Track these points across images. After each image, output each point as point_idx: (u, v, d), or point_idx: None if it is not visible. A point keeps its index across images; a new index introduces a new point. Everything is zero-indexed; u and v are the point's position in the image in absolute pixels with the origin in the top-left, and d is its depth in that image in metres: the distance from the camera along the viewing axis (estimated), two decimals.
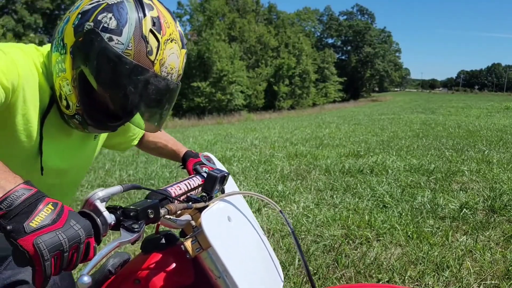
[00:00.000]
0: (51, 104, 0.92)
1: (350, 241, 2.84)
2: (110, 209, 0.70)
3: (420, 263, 2.47)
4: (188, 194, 0.95)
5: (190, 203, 0.86)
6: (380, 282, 2.29)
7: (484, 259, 2.49)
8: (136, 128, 1.20)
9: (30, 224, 0.58)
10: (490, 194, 3.74)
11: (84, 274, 0.59)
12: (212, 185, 0.93)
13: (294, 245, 1.04)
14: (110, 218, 0.68)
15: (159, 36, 0.84)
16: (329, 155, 6.16)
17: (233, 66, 36.82)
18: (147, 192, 0.84)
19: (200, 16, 38.40)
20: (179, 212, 0.85)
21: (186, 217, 0.89)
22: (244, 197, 1.11)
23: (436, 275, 2.34)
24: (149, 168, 5.49)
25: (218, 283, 0.82)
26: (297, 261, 2.49)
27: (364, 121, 12.72)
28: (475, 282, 2.25)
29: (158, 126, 0.97)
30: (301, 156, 6.14)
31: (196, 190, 0.99)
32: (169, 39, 0.86)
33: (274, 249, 2.67)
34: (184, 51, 0.92)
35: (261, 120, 20.31)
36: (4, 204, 0.59)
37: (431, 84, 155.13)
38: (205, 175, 1.01)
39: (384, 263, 2.49)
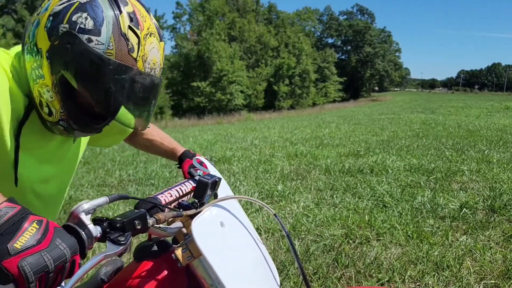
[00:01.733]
0: (27, 112, 0.87)
1: (350, 241, 2.84)
2: (96, 221, 0.69)
3: (420, 263, 2.47)
4: (180, 200, 0.93)
5: (181, 210, 0.85)
6: (380, 282, 2.29)
7: (484, 259, 2.49)
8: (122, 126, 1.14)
9: (15, 245, 0.57)
10: (490, 194, 3.74)
11: None
12: (203, 191, 0.91)
13: (292, 248, 1.04)
14: (95, 231, 0.67)
15: (138, 31, 0.81)
16: (329, 155, 6.16)
17: (233, 66, 36.82)
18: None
19: (200, 16, 38.40)
20: (170, 219, 0.83)
21: (178, 224, 0.87)
22: (239, 200, 1.09)
23: (436, 274, 2.33)
24: (149, 168, 5.49)
25: None
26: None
27: (364, 121, 12.72)
28: (475, 282, 2.25)
29: (146, 123, 0.95)
30: (301, 156, 6.14)
31: (189, 195, 0.97)
32: (148, 33, 0.83)
33: (273, 249, 2.68)
34: (162, 44, 0.89)
35: (261, 120, 20.31)
36: None
37: (431, 84, 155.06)
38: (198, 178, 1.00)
39: (384, 262, 2.49)
